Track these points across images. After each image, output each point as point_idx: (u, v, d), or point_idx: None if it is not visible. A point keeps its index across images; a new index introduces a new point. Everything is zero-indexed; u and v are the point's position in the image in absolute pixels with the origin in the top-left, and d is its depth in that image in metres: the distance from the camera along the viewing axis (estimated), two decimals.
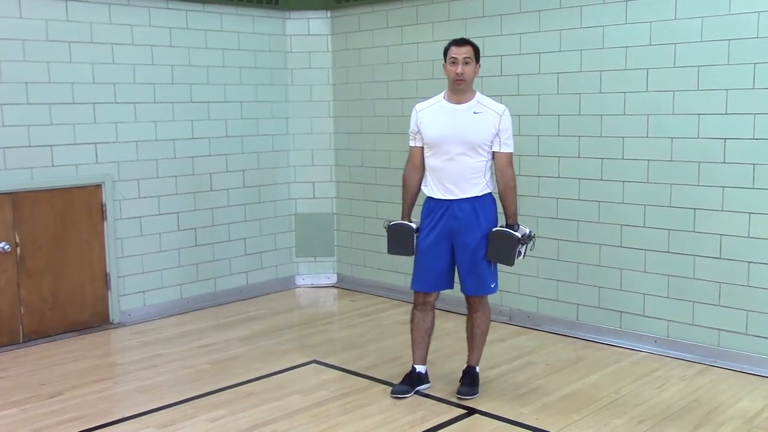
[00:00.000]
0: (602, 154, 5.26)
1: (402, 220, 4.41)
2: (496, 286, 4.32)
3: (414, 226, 4.34)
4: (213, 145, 6.47)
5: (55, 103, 5.54)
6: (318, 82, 7.00)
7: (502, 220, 4.27)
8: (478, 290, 4.27)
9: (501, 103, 4.28)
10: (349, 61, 6.85)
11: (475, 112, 4.16)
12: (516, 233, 4.13)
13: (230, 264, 6.68)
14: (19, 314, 5.45)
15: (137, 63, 5.94)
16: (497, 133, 4.15)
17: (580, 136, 5.37)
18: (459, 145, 4.13)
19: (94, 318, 5.84)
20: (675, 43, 4.85)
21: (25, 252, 5.46)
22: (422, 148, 4.30)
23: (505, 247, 4.13)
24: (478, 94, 4.24)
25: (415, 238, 4.33)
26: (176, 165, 6.23)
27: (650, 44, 4.96)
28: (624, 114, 5.13)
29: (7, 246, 5.34)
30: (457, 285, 4.37)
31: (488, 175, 4.23)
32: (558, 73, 5.44)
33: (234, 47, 6.55)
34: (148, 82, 6.01)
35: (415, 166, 4.35)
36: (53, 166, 5.55)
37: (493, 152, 4.20)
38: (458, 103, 4.20)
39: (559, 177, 5.50)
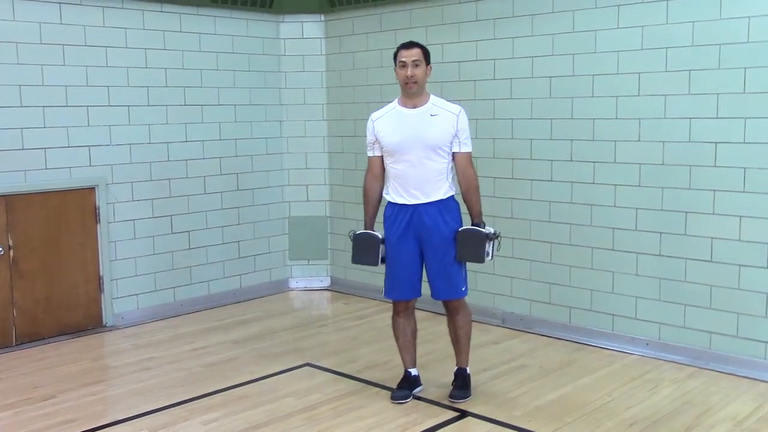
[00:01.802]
0: (594, 157, 5.28)
1: (366, 230, 4.37)
2: (467, 289, 4.32)
3: (379, 236, 4.31)
4: (206, 148, 6.47)
5: (49, 106, 5.53)
6: (312, 85, 7.01)
7: (466, 222, 4.25)
8: (448, 294, 4.25)
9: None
10: (343, 65, 6.87)
11: (431, 115, 4.15)
12: (483, 230, 4.13)
13: (224, 267, 6.68)
14: (12, 317, 5.44)
15: (131, 66, 5.94)
16: (456, 134, 4.15)
17: (572, 140, 5.39)
18: (420, 149, 4.12)
19: (87, 321, 5.84)
20: (666, 48, 4.88)
21: (18, 254, 5.45)
22: (381, 157, 4.29)
23: (474, 246, 4.12)
24: (432, 96, 4.23)
25: (381, 248, 4.29)
26: (170, 168, 6.23)
27: (642, 48, 4.99)
28: (616, 118, 5.16)
29: (0, 249, 5.34)
30: (426, 291, 4.33)
31: (450, 177, 4.22)
32: (550, 77, 5.46)
33: (228, 50, 6.56)
34: (141, 85, 6.02)
35: (375, 176, 4.34)
36: (47, 168, 5.55)
37: (453, 153, 4.19)
38: (414, 107, 4.19)
39: (551, 180, 5.52)
